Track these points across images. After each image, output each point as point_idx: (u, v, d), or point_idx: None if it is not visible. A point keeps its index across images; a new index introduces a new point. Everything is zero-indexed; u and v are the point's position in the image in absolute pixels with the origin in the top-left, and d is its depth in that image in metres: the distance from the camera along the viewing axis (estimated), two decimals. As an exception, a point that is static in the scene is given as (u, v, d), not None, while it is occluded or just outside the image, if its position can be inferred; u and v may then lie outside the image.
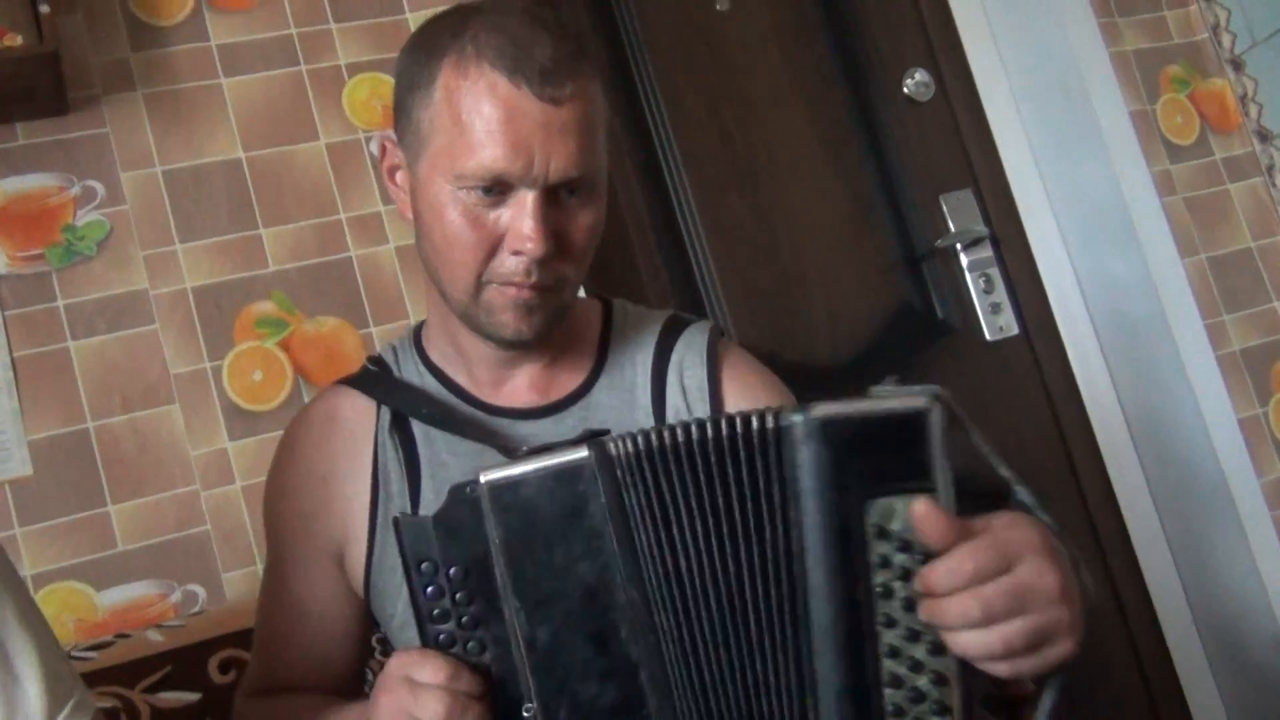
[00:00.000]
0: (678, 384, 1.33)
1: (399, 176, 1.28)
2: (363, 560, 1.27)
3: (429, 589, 0.99)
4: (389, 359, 1.37)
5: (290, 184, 2.11)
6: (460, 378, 1.32)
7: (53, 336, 1.95)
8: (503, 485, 0.97)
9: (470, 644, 0.99)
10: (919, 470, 0.91)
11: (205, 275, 2.03)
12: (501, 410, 1.31)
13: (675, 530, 0.97)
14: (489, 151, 1.14)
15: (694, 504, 0.97)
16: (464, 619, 0.99)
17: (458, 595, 0.99)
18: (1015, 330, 2.63)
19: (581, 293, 1.35)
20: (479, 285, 1.20)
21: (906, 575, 0.92)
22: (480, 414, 1.30)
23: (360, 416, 1.31)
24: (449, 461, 1.27)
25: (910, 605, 0.92)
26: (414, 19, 2.22)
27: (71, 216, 1.99)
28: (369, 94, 2.17)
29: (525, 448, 1.02)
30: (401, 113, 1.24)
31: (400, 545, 1.00)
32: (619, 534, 0.96)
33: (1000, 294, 2.63)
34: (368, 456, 1.29)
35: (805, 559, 0.93)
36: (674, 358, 1.34)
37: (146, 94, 2.07)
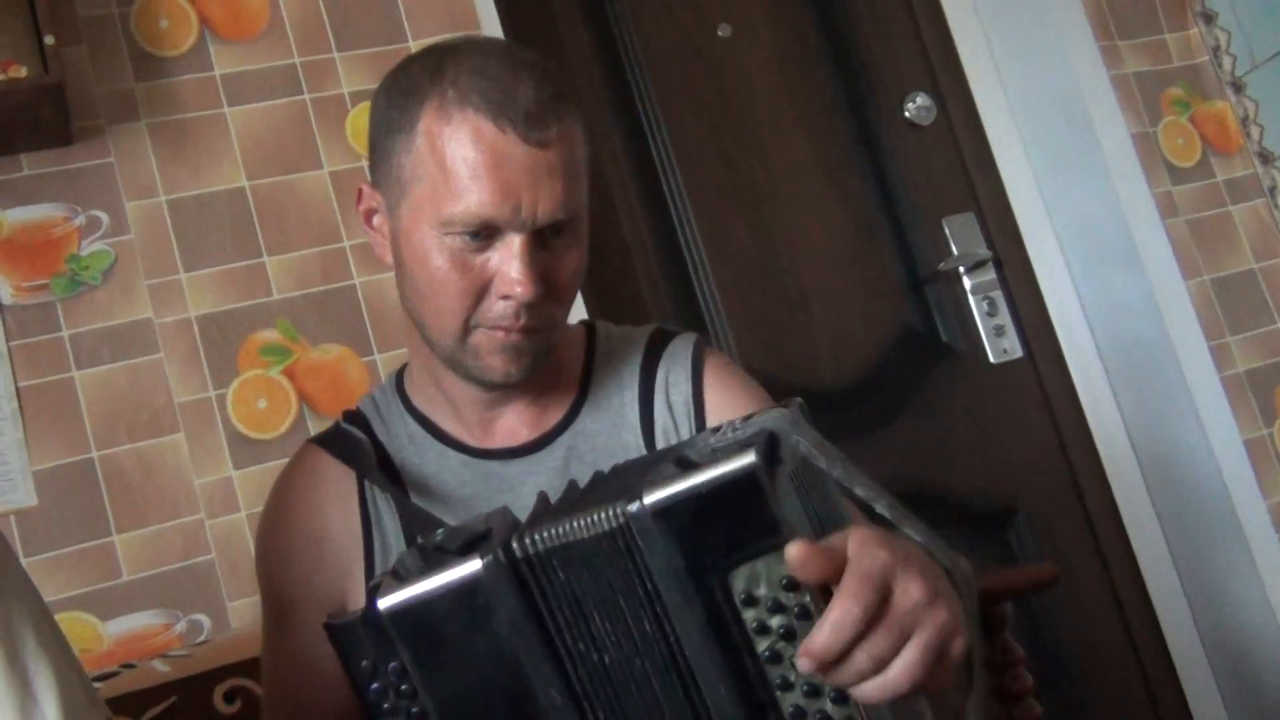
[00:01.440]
0: (664, 402, 1.32)
1: (376, 220, 1.27)
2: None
3: (374, 687, 0.97)
4: (368, 410, 1.36)
5: (294, 212, 2.11)
6: (446, 422, 1.31)
7: (57, 366, 1.95)
8: (401, 610, 0.94)
9: None
10: (767, 528, 0.87)
11: (209, 304, 2.04)
12: (489, 453, 1.30)
13: (594, 625, 0.93)
14: (475, 197, 1.13)
15: (597, 594, 0.93)
16: (413, 711, 0.96)
17: (402, 689, 0.96)
18: (1019, 353, 2.63)
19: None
20: (466, 330, 1.19)
21: (789, 634, 0.88)
22: (468, 458, 1.30)
23: (342, 473, 1.29)
24: (442, 512, 1.25)
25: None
26: (417, 47, 2.22)
27: (76, 246, 2.00)
28: (372, 122, 2.18)
29: (440, 531, 1.00)
30: (380, 157, 1.22)
31: (335, 649, 0.98)
32: (531, 638, 0.93)
33: (1003, 316, 2.63)
34: (355, 507, 1.27)
35: (685, 647, 0.90)
36: (659, 376, 1.33)
37: (151, 124, 2.08)
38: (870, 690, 0.85)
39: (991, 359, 2.61)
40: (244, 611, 1.93)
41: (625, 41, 2.52)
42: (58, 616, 1.85)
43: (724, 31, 2.59)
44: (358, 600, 1.26)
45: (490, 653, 0.93)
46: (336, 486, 1.28)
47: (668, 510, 0.88)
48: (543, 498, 1.03)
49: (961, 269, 2.61)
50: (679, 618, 0.89)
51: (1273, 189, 2.64)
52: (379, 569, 1.25)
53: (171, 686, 1.67)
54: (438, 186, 1.15)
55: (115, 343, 1.98)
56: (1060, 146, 2.64)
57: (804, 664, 0.83)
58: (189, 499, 1.96)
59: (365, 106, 2.17)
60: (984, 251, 2.64)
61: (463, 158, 1.14)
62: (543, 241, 1.17)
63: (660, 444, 1.29)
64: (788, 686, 0.89)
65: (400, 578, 0.96)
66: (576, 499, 1.00)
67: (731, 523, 0.88)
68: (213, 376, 2.01)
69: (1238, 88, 2.66)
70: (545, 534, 0.93)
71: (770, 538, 0.87)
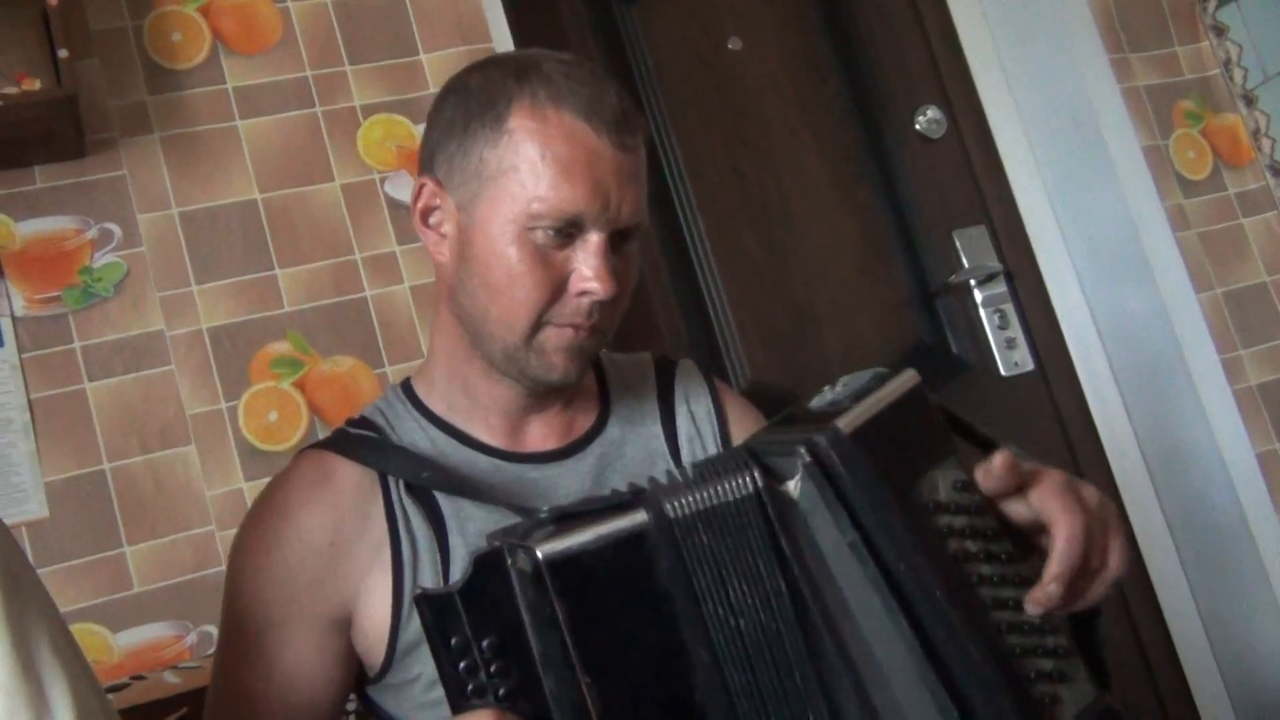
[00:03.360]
0: (686, 413, 1.40)
1: (434, 218, 1.28)
2: (387, 621, 1.24)
3: (461, 665, 0.94)
4: (378, 420, 1.34)
5: (306, 225, 2.12)
6: (474, 427, 1.32)
7: (69, 378, 1.96)
8: (562, 559, 0.92)
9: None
10: (935, 438, 0.97)
11: (221, 316, 2.04)
12: (520, 456, 1.31)
13: (731, 588, 0.95)
14: (568, 192, 1.17)
15: (742, 558, 0.96)
16: (501, 691, 0.94)
17: (493, 667, 0.94)
18: (1030, 366, 2.63)
19: None
20: (536, 326, 1.22)
21: (974, 534, 0.96)
22: (499, 461, 1.30)
23: (361, 479, 1.27)
24: (475, 513, 1.26)
25: (990, 557, 0.96)
26: (428, 60, 2.23)
27: (88, 259, 2.00)
28: (383, 135, 2.19)
29: (545, 508, 0.99)
30: (455, 154, 1.24)
31: (425, 623, 0.96)
32: (683, 596, 0.94)
33: (1015, 329, 2.63)
34: (379, 518, 1.26)
35: (893, 564, 0.94)
36: (678, 389, 1.42)
37: (163, 136, 2.09)
38: (1094, 593, 1.00)
39: (1003, 372, 2.60)
40: (254, 623, 1.93)
41: (636, 54, 2.53)
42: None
43: (734, 44, 2.60)
44: (369, 607, 1.25)
45: (647, 607, 0.94)
46: (353, 491, 1.27)
47: (862, 430, 0.94)
48: (671, 474, 1.06)
49: (972, 282, 2.61)
50: (884, 534, 0.93)
51: (1285, 202, 2.63)
52: (407, 571, 1.24)
53: (182, 698, 1.68)
54: (526, 181, 1.18)
55: (127, 355, 1.99)
56: (1071, 159, 2.64)
57: (1033, 609, 0.95)
58: (200, 511, 1.96)
59: (377, 119, 2.19)
60: (995, 264, 2.64)
61: (555, 154, 1.17)
62: (614, 245, 1.22)
63: (685, 451, 1.37)
64: (980, 582, 0.96)
65: (531, 537, 0.94)
66: (714, 463, 1.02)
67: (909, 435, 0.97)
68: (224, 388, 2.02)
69: (1249, 101, 2.66)
70: (691, 498, 0.96)
71: (939, 446, 0.97)
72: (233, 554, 1.32)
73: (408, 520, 1.26)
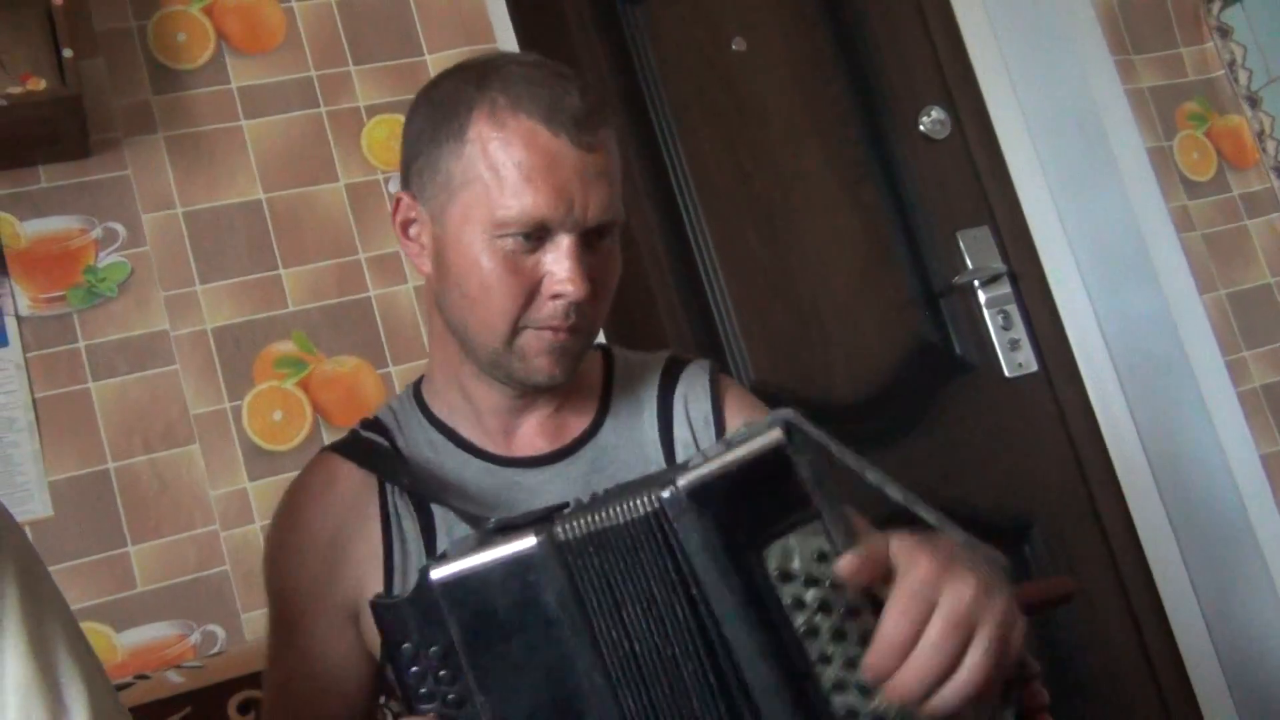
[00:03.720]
0: (684, 417, 1.36)
1: (413, 230, 1.29)
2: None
3: (412, 669, 0.97)
4: (387, 419, 1.37)
5: (310, 224, 2.12)
6: (468, 430, 1.33)
7: (74, 378, 1.96)
8: (453, 581, 0.95)
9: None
10: (798, 502, 0.91)
11: (225, 316, 2.04)
12: (512, 460, 1.31)
13: (626, 612, 0.94)
14: (530, 198, 1.17)
15: (637, 582, 0.95)
16: (449, 697, 0.97)
17: (440, 674, 0.97)
18: (1034, 367, 2.62)
19: None
20: (515, 331, 1.22)
21: (825, 607, 0.91)
22: (492, 466, 1.31)
23: (363, 481, 1.30)
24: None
25: (839, 635, 0.91)
26: (432, 60, 2.23)
27: (93, 258, 2.01)
28: (388, 135, 2.19)
29: (492, 520, 1.01)
30: (422, 166, 1.25)
31: (379, 628, 0.99)
32: (574, 621, 0.94)
33: (1019, 331, 2.63)
34: (375, 517, 1.28)
35: (724, 627, 0.92)
36: (678, 392, 1.38)
37: (168, 136, 2.09)
38: (944, 699, 0.88)
39: (1006, 373, 2.60)
40: (258, 623, 1.93)
41: (640, 55, 2.53)
42: (73, 627, 1.85)
43: (739, 45, 2.60)
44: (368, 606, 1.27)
45: (537, 630, 0.94)
46: (354, 492, 1.29)
47: (700, 490, 0.91)
48: (579, 499, 1.05)
49: (976, 283, 2.61)
50: (716, 597, 0.91)
51: (1289, 203, 2.63)
52: (398, 573, 1.25)
53: (186, 698, 1.68)
54: (490, 190, 1.19)
55: (131, 354, 1.99)
56: (1075, 160, 2.64)
57: (864, 673, 0.88)
58: (204, 510, 1.96)
59: (381, 119, 2.19)
60: (999, 265, 2.64)
61: (515, 161, 1.18)
62: (588, 243, 1.22)
63: (680, 457, 1.34)
64: (826, 659, 0.92)
65: (450, 558, 0.96)
66: (613, 492, 1.01)
67: (763, 498, 0.92)
68: (228, 388, 2.02)
69: (1253, 102, 2.66)
70: (584, 520, 0.95)
71: (801, 511, 0.91)
72: (264, 551, 1.36)
73: (400, 524, 1.28)
